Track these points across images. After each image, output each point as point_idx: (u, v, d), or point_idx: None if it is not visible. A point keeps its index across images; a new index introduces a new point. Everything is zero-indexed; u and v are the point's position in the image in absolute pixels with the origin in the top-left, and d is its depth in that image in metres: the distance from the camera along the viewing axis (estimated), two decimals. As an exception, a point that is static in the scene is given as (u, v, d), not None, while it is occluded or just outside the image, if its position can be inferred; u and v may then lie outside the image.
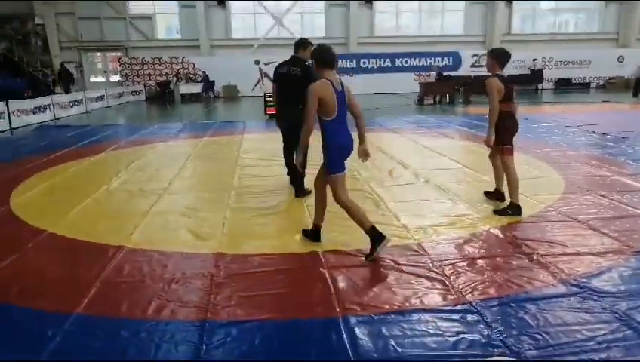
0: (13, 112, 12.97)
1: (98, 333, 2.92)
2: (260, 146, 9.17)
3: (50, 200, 6.05)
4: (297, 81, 5.47)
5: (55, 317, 3.10)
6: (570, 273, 3.53)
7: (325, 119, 3.87)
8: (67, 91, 17.49)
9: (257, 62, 23.61)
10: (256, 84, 23.75)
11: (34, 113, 14.16)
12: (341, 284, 3.45)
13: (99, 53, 25.59)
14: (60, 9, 23.51)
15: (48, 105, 15.14)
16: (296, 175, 5.75)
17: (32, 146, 10.09)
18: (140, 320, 3.06)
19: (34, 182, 6.80)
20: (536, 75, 24.60)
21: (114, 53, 25.22)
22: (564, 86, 25.00)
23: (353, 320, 2.97)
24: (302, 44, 5.76)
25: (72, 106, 16.75)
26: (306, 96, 3.89)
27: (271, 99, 14.23)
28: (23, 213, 5.40)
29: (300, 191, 5.82)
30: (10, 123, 12.73)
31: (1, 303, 3.34)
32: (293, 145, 5.25)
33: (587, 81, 25.48)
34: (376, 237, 3.89)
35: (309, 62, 5.11)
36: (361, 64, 24.42)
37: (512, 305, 3.11)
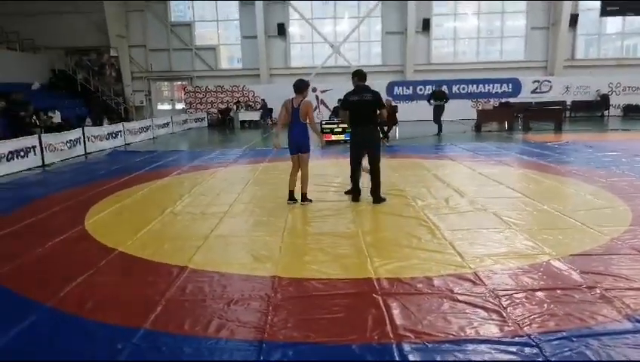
0: (89, 138, 13.95)
1: (163, 349, 3.10)
2: (316, 172, 9.33)
3: (120, 221, 6.47)
4: (370, 105, 6.67)
5: (124, 331, 3.32)
6: (637, 308, 3.39)
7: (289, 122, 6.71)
8: (98, 124, 17.44)
9: (314, 89, 24.13)
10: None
11: (107, 139, 15.17)
12: (395, 311, 3.48)
13: (166, 83, 27.08)
14: (133, 42, 25.23)
15: (120, 131, 16.17)
16: (375, 184, 6.86)
17: (105, 170, 10.79)
18: (202, 337, 3.22)
19: (106, 204, 7.29)
20: (602, 101, 23.61)
21: (180, 82, 26.62)
22: (633, 112, 23.77)
23: (407, 347, 2.99)
24: (365, 74, 6.94)
25: (140, 133, 17.79)
26: (375, 117, 6.76)
27: (327, 126, 14.63)
28: (96, 232, 5.81)
29: (377, 199, 6.83)
30: (85, 148, 13.69)
31: (76, 316, 3.61)
32: (371, 156, 6.82)
33: (659, 107, 24.11)
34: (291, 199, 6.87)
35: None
36: (418, 91, 24.37)
37: (573, 339, 3.02)
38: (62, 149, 12.51)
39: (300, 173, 6.89)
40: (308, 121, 6.66)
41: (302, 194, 6.85)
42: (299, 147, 6.77)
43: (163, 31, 25.36)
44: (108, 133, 15.37)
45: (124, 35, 24.77)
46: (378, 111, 6.80)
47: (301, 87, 6.69)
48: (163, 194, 8.13)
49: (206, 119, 24.70)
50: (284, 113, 6.71)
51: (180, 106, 26.39)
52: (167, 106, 26.95)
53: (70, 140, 13.01)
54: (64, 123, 16.51)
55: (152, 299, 3.81)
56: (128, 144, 16.26)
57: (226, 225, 6.00)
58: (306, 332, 3.23)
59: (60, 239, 5.53)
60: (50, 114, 16.58)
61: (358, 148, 6.90)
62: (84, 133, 13.74)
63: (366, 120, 6.72)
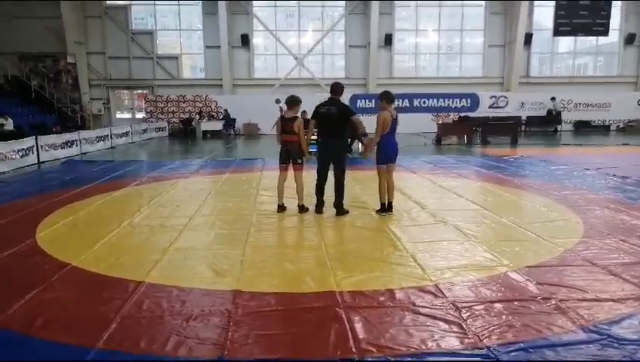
0: (42, 147, 13.41)
1: (118, 368, 2.97)
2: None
3: (74, 233, 6.21)
4: (335, 119, 6.65)
5: (76, 350, 3.17)
6: (590, 319, 3.50)
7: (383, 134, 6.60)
8: None
9: (278, 101, 24.10)
10: (276, 123, 24.19)
11: (62, 148, 14.63)
12: (357, 325, 3.46)
13: (126, 91, 26.46)
14: (91, 48, 24.59)
15: (76, 140, 15.63)
16: (339, 196, 6.86)
17: (59, 180, 10.39)
18: (159, 355, 3.11)
19: (59, 216, 6.99)
20: (554, 117, 24.62)
21: (140, 91, 26.06)
22: (583, 128, 24.89)
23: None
24: (339, 88, 6.87)
25: (98, 141, 17.26)
26: (341, 130, 6.76)
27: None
28: (48, 246, 5.54)
29: (340, 211, 6.83)
30: (38, 157, 13.15)
31: (24, 336, 3.42)
32: (336, 167, 6.82)
33: (607, 123, 25.34)
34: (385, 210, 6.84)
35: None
36: (380, 104, 24.76)
37: (531, 350, 3.08)
38: (13, 158, 11.98)
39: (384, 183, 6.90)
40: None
41: (389, 203, 6.91)
42: (392, 157, 6.87)
43: (123, 38, 24.85)
44: (63, 142, 14.84)
45: (82, 41, 24.11)
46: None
47: (392, 97, 6.86)
48: (120, 206, 7.88)
49: (167, 129, 24.25)
50: (380, 127, 6.64)
51: (140, 115, 25.81)
52: (126, 115, 26.33)
53: (22, 148, 12.48)
54: (16, 130, 15.86)
55: (106, 316, 3.65)
56: (85, 153, 15.74)
57: (186, 238, 5.86)
58: (267, 349, 3.17)
59: (8, 253, 5.25)
60: (1, 120, 15.90)
61: (325, 160, 6.94)
62: (37, 142, 13.21)
63: (332, 132, 6.78)
